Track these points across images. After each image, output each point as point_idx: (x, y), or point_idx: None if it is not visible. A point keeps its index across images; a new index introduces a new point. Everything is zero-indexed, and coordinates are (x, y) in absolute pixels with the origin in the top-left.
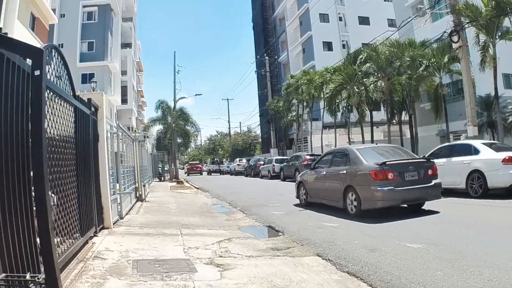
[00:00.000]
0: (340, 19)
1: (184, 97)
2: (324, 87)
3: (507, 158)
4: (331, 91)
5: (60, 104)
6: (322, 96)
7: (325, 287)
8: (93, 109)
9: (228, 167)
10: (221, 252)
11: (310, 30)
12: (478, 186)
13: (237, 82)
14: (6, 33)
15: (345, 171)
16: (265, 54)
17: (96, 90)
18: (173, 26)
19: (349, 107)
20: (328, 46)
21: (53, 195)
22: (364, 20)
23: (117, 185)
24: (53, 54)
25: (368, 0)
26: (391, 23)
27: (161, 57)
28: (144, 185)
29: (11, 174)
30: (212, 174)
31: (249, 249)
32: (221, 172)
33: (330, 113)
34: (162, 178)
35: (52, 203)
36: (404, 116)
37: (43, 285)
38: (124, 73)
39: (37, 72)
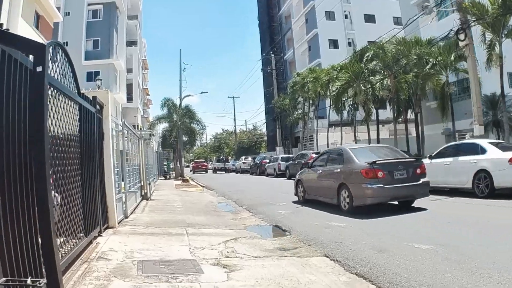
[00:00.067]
0: (346, 17)
1: (190, 95)
2: (330, 85)
3: None
4: (338, 89)
5: (64, 102)
6: (328, 94)
7: None
8: (98, 107)
9: (233, 165)
10: (228, 252)
11: (316, 27)
12: (484, 186)
13: (243, 80)
14: (7, 29)
15: (339, 170)
16: (271, 52)
17: (101, 88)
18: (179, 24)
19: (355, 105)
20: (334, 44)
21: (56, 194)
22: (370, 18)
23: (122, 183)
24: (57, 51)
25: None
26: (397, 21)
27: (167, 55)
28: (149, 184)
29: (12, 174)
30: (218, 172)
31: (256, 249)
32: (226, 170)
33: (336, 111)
34: (168, 176)
35: (56, 202)
36: (410, 115)
37: None
38: (129, 71)
39: (39, 68)
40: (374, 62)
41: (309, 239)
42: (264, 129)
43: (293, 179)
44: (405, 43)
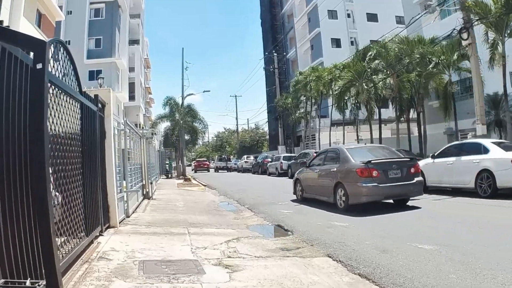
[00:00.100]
0: (349, 15)
1: (192, 94)
2: (332, 83)
3: None
4: (340, 88)
5: (65, 100)
6: (331, 93)
7: None
8: (100, 105)
9: (235, 164)
10: (230, 252)
11: (319, 26)
12: (487, 186)
13: (245, 79)
14: (8, 26)
15: (335, 169)
16: (274, 51)
17: (103, 86)
18: (181, 23)
19: (358, 104)
20: (336, 42)
21: (57, 193)
22: (372, 17)
23: (124, 182)
24: (59, 49)
25: None
26: (399, 20)
27: (169, 54)
28: (151, 183)
29: (12, 174)
30: (220, 171)
31: (258, 249)
32: (228, 169)
33: (338, 110)
34: (169, 175)
35: (56, 202)
36: (412, 114)
37: None
38: (131, 69)
39: (39, 66)
40: (376, 61)
41: (312, 239)
42: (266, 128)
43: None
44: (408, 42)
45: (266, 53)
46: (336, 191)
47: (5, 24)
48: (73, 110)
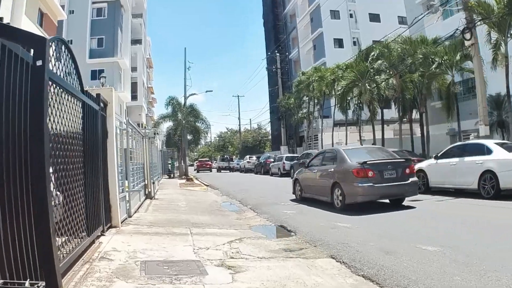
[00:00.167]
0: (351, 16)
1: (194, 94)
2: (335, 84)
3: None
4: (343, 88)
5: (67, 99)
6: (334, 93)
7: None
8: (102, 104)
9: (238, 164)
10: (232, 253)
11: (321, 26)
12: (490, 187)
13: (247, 79)
14: (8, 23)
15: (332, 169)
16: (276, 51)
17: (106, 85)
18: (182, 24)
19: (361, 105)
20: (339, 43)
21: (58, 193)
22: (374, 17)
23: (126, 182)
24: (60, 47)
25: None
26: (402, 20)
27: (171, 54)
28: (153, 182)
29: (12, 173)
30: (222, 171)
31: (261, 250)
32: (230, 169)
33: (341, 110)
34: (172, 175)
35: (57, 201)
36: (415, 115)
37: None
38: (134, 69)
39: (39, 63)
40: (379, 61)
41: (315, 240)
42: (268, 128)
43: None
44: (411, 42)
45: (269, 53)
46: (333, 191)
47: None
48: (75, 109)
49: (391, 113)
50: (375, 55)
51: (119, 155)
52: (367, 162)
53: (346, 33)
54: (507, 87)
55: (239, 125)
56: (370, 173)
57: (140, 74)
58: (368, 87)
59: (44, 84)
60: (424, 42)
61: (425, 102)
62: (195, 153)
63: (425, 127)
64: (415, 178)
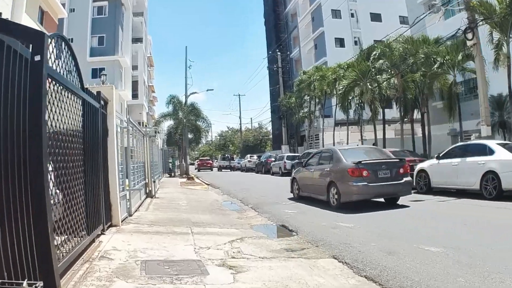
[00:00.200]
0: (352, 15)
1: (195, 92)
2: (337, 83)
3: None
4: (344, 88)
5: (66, 96)
6: (335, 92)
7: None
8: (102, 102)
9: (238, 163)
10: (234, 252)
11: (322, 26)
12: (492, 188)
13: (248, 78)
14: (6, 19)
15: (328, 169)
16: (277, 50)
17: (106, 83)
18: (183, 23)
19: (362, 104)
20: (340, 42)
21: (58, 191)
22: (376, 17)
23: (127, 181)
24: (60, 43)
25: None
26: (403, 20)
27: (171, 54)
28: (154, 181)
29: (10, 170)
30: (223, 170)
31: (262, 249)
32: (231, 168)
33: (342, 110)
34: (172, 174)
35: (57, 200)
36: (416, 115)
37: None
38: (135, 68)
39: (37, 57)
40: (381, 61)
41: (317, 240)
42: (269, 128)
43: None
44: (413, 42)
45: (270, 52)
46: (329, 189)
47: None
48: (75, 107)
49: (393, 113)
50: (377, 54)
51: (120, 153)
52: (362, 162)
53: (347, 33)
54: (509, 87)
55: (240, 124)
56: (365, 173)
57: (141, 73)
58: (369, 86)
59: (42, 80)
60: (426, 42)
61: (426, 102)
62: (196, 152)
63: (426, 127)
64: (408, 178)
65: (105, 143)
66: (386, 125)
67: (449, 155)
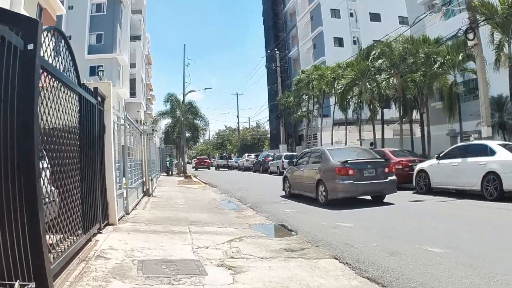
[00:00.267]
0: (351, 15)
1: (193, 91)
2: (335, 82)
3: None
4: (343, 87)
5: (62, 91)
6: (333, 92)
7: None
8: (99, 98)
9: (236, 162)
10: (232, 252)
11: (321, 25)
12: (493, 189)
13: (246, 77)
14: None
15: (317, 168)
16: (276, 49)
17: (104, 79)
18: (181, 23)
19: (361, 104)
20: (339, 42)
21: (53, 188)
22: (375, 17)
23: (124, 179)
24: (56, 36)
25: None
26: (402, 20)
27: (170, 53)
28: (151, 180)
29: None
30: (220, 169)
31: (262, 249)
32: (229, 167)
33: (341, 109)
34: (170, 173)
35: (52, 198)
36: (415, 115)
37: None
38: (133, 65)
39: (30, 46)
40: (380, 60)
41: (317, 240)
42: (267, 127)
43: None
44: (413, 42)
45: (268, 51)
46: (318, 187)
47: None
48: (71, 102)
49: (391, 113)
50: (376, 54)
51: (117, 151)
52: (348, 161)
53: (346, 32)
54: (511, 88)
55: (238, 123)
56: (351, 172)
57: (139, 71)
58: (368, 86)
59: (35, 71)
60: (426, 42)
61: (426, 102)
62: (193, 151)
63: (425, 128)
64: (393, 177)
65: (102, 140)
66: (385, 125)
67: (449, 155)
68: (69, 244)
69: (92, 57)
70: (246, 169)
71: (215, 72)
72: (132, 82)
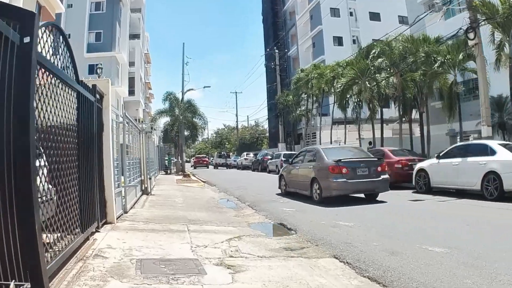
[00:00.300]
0: (351, 14)
1: (192, 89)
2: (335, 81)
3: None
4: (343, 86)
5: (60, 87)
6: (333, 91)
7: None
8: (98, 96)
9: (235, 161)
10: (231, 251)
11: (321, 24)
12: (493, 188)
13: (245, 76)
14: None
15: (312, 166)
16: (275, 48)
17: (102, 77)
18: (181, 22)
19: (360, 103)
20: (338, 41)
21: (50, 186)
22: (375, 16)
23: (122, 177)
24: (54, 33)
25: None
26: (402, 19)
27: (169, 52)
28: (150, 178)
29: None
30: (219, 168)
31: (261, 248)
32: (228, 166)
33: (340, 108)
34: (168, 171)
35: (49, 196)
36: (415, 114)
37: None
38: (132, 64)
39: (26, 39)
40: (380, 59)
41: (316, 239)
42: (266, 126)
43: None
44: (413, 41)
45: (268, 50)
46: (312, 185)
47: None
48: (69, 99)
49: (391, 112)
50: (376, 52)
51: (115, 149)
52: (342, 160)
53: (346, 31)
54: (511, 88)
55: (237, 121)
56: (344, 170)
57: (137, 69)
58: (368, 85)
59: (31, 65)
60: (427, 41)
61: (425, 101)
62: (192, 150)
63: (425, 127)
64: (386, 176)
65: (100, 138)
66: (384, 125)
67: (449, 154)
68: (66, 243)
69: (91, 56)
70: (244, 168)
71: (215, 71)
72: (131, 81)
